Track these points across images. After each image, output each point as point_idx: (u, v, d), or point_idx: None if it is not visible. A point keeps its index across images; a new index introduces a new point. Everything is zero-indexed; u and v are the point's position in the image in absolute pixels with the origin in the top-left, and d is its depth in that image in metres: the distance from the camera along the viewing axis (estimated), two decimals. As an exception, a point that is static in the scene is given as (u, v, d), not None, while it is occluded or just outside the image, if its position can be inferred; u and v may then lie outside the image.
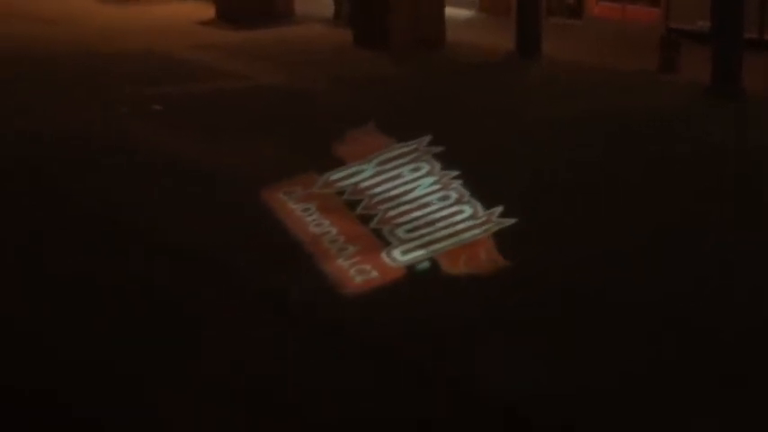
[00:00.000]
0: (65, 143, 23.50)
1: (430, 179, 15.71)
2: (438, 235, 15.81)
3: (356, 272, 14.71)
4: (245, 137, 23.87)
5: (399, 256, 15.49)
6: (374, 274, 15.03)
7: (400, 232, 15.49)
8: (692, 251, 16.56)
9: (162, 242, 17.13)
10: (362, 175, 15.86)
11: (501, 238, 15.70)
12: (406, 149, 15.85)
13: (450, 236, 15.84)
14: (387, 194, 15.45)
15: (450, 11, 35.61)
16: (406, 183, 15.57)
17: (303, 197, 15.73)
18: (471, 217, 15.72)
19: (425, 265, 15.09)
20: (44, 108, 26.55)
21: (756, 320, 13.70)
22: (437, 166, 15.34)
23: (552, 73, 30.11)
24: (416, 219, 15.61)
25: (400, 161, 15.65)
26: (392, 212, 15.70)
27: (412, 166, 15.39)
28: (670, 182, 19.83)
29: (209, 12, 39.85)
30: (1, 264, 16.58)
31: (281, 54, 33.21)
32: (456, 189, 15.74)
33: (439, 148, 15.31)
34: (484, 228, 15.76)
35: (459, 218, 15.90)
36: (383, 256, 15.13)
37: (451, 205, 15.96)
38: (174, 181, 20.77)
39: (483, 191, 16.22)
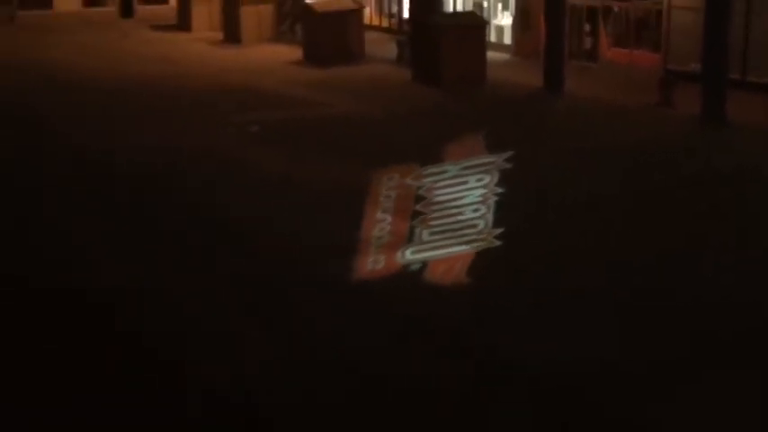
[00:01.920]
0: (188, 154, 23.90)
1: (480, 191, 14.61)
2: (446, 243, 14.94)
3: (372, 261, 14.16)
4: (324, 152, 23.93)
5: (407, 255, 14.72)
6: (380, 266, 14.44)
7: (425, 234, 14.65)
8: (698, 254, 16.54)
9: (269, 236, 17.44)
10: (444, 174, 14.83)
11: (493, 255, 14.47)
12: (486, 160, 14.65)
13: (452, 246, 14.93)
14: (442, 197, 14.58)
15: (490, 54, 35.33)
16: (463, 189, 14.57)
17: (396, 184, 14.75)
18: (478, 232, 14.71)
19: (417, 267, 14.31)
20: (172, 128, 26.91)
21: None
22: (494, 180, 14.27)
23: (573, 106, 29.73)
24: (444, 224, 14.78)
25: (475, 170, 14.47)
26: (434, 214, 14.85)
27: (479, 176, 14.30)
28: (672, 197, 19.72)
29: (298, 54, 39.52)
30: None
31: (354, 88, 33.03)
32: (488, 204, 14.63)
33: (509, 164, 14.21)
34: (477, 244, 14.68)
35: (469, 231, 14.91)
36: (398, 252, 14.42)
37: (475, 218, 14.92)
38: (269, 186, 21.01)
39: (510, 209, 15.09)
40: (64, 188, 21.36)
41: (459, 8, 41.26)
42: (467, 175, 14.56)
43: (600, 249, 16.60)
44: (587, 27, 36.25)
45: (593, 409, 11.32)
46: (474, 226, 14.59)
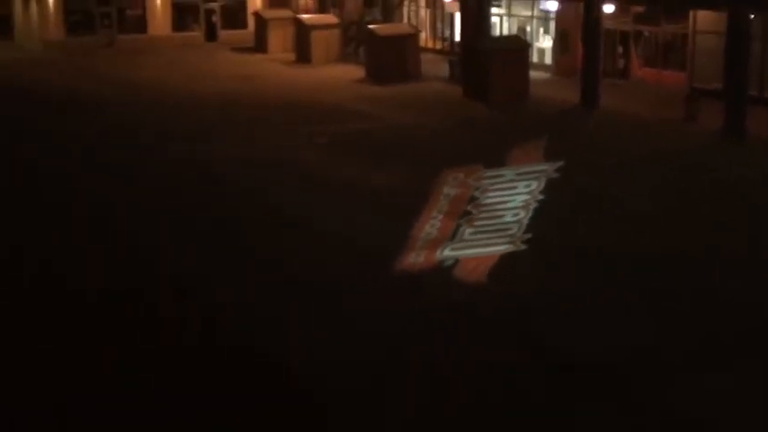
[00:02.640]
0: (265, 162, 24.43)
1: (525, 197, 13.96)
2: (482, 243, 14.22)
3: (415, 254, 13.75)
4: (386, 159, 24.43)
5: (445, 252, 14.04)
6: (420, 259, 13.96)
7: (467, 233, 13.91)
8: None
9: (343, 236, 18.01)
10: (500, 178, 14.15)
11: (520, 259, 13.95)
12: (538, 168, 13.98)
13: (486, 246, 14.23)
14: (491, 199, 13.86)
15: (532, 73, 35.20)
16: (510, 194, 13.97)
17: (459, 183, 13.95)
18: (510, 236, 14.03)
19: (450, 263, 13.82)
20: (251, 138, 27.39)
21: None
22: (540, 187, 13.71)
23: (607, 120, 29.78)
24: (484, 225, 14.07)
25: (526, 176, 13.85)
26: (479, 215, 14.04)
27: (527, 182, 13.78)
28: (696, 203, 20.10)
29: (361, 73, 39.49)
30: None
31: (411, 103, 33.10)
32: (527, 209, 13.96)
33: (558, 174, 13.49)
34: (505, 247, 14.05)
35: (503, 233, 14.26)
36: (439, 248, 13.81)
37: (512, 222, 14.19)
38: (338, 189, 21.57)
39: (546, 217, 14.46)
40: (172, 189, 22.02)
41: (505, 32, 41.21)
42: (516, 180, 14.07)
43: (625, 246, 17.12)
44: (620, 49, 36.10)
45: (627, 391, 11.81)
46: (509, 229, 14.12)
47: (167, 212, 20.10)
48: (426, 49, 42.89)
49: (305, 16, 46.20)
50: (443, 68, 39.28)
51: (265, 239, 17.99)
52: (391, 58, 38.49)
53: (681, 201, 20.35)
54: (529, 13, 40.97)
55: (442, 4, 44.71)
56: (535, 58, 38.62)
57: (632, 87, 34.58)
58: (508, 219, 14.15)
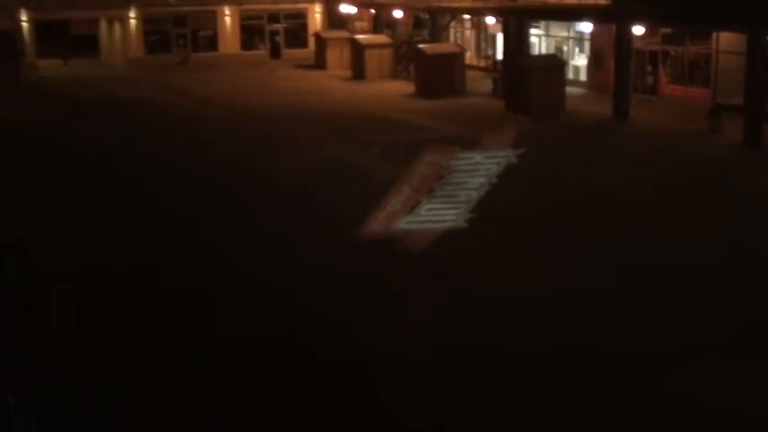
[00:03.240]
0: (327, 168, 24.97)
1: (482, 180, 13.64)
2: (430, 219, 13.75)
3: (376, 222, 13.43)
4: None
5: (401, 224, 13.64)
6: (379, 228, 13.56)
7: (424, 208, 13.57)
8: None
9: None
10: (470, 159, 13.83)
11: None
12: (502, 154, 13.65)
13: (431, 222, 13.78)
14: (453, 179, 13.46)
15: (568, 89, 35.32)
16: (470, 176, 13.56)
17: (433, 162, 13.71)
18: (453, 214, 13.56)
19: (400, 235, 13.52)
20: (311, 147, 27.80)
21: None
22: (498, 172, 13.40)
23: (636, 131, 29.99)
24: (439, 203, 13.68)
25: (491, 160, 13.48)
26: (439, 193, 13.61)
27: (490, 166, 13.42)
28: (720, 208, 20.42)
29: (411, 88, 39.62)
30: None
31: (457, 116, 33.17)
32: (479, 191, 13.45)
33: (515, 161, 13.23)
34: (444, 225, 13.63)
35: (447, 212, 13.84)
36: (397, 220, 13.43)
37: (461, 202, 13.75)
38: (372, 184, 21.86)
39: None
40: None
41: (543, 51, 41.26)
42: (480, 163, 13.73)
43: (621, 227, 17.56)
44: (649, 67, 35.97)
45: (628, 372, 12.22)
46: (455, 209, 13.78)
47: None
48: (471, 67, 42.93)
49: (360, 36, 46.55)
50: (487, 84, 39.32)
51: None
52: (439, 75, 38.52)
53: (697, 198, 20.91)
54: (565, 34, 41.04)
55: (486, 26, 44.75)
56: (571, 75, 38.58)
57: (660, 102, 34.57)
58: (461, 198, 13.92)
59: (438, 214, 13.90)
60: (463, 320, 14.15)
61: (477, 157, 13.90)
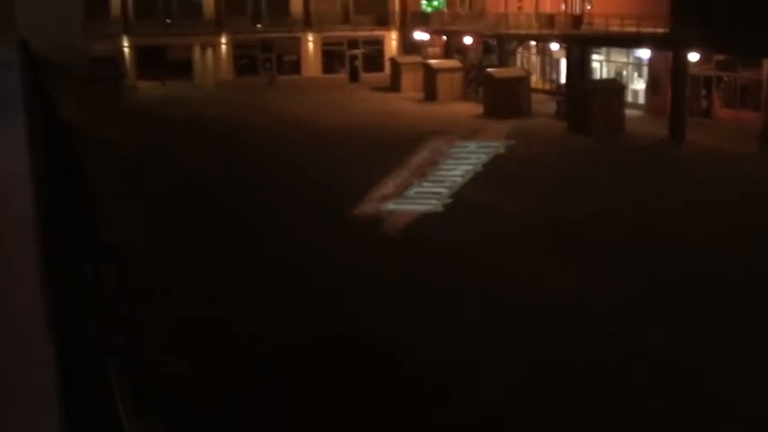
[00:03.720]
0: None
1: (469, 167, 13.29)
2: (415, 202, 13.87)
3: (367, 203, 13.40)
4: (504, 181, 25.58)
5: (389, 205, 13.75)
6: (369, 209, 13.56)
7: (411, 191, 13.50)
8: None
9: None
10: (465, 148, 13.41)
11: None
12: (494, 144, 13.13)
13: (415, 205, 13.72)
14: (444, 165, 13.08)
15: (628, 111, 35.56)
16: (461, 163, 13.03)
17: (433, 148, 13.13)
18: (436, 198, 13.24)
19: (385, 216, 13.30)
20: (400, 163, 28.78)
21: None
22: (486, 161, 12.76)
23: (692, 151, 30.57)
24: (426, 187, 13.65)
25: (482, 149, 12.96)
26: (430, 177, 13.39)
27: (479, 156, 12.84)
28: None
29: (480, 109, 40.12)
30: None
31: (523, 136, 32.75)
32: (464, 177, 12.72)
33: (503, 152, 12.93)
34: (426, 207, 13.25)
35: (433, 196, 13.63)
36: (387, 202, 13.42)
37: (446, 187, 13.43)
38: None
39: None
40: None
41: (604, 75, 41.65)
42: (472, 152, 13.29)
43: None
44: (704, 92, 36.10)
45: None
46: (439, 193, 13.56)
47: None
48: (536, 90, 43.17)
49: (432, 61, 47.49)
50: (551, 106, 39.72)
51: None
52: (506, 97, 39.04)
53: (746, 210, 21.78)
54: (625, 60, 41.40)
55: (550, 52, 45.27)
56: (630, 99, 38.76)
57: (714, 125, 34.62)
58: (446, 184, 13.66)
59: (422, 197, 13.98)
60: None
61: (472, 146, 14.35)
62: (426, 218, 14.24)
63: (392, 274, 15.96)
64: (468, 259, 16.72)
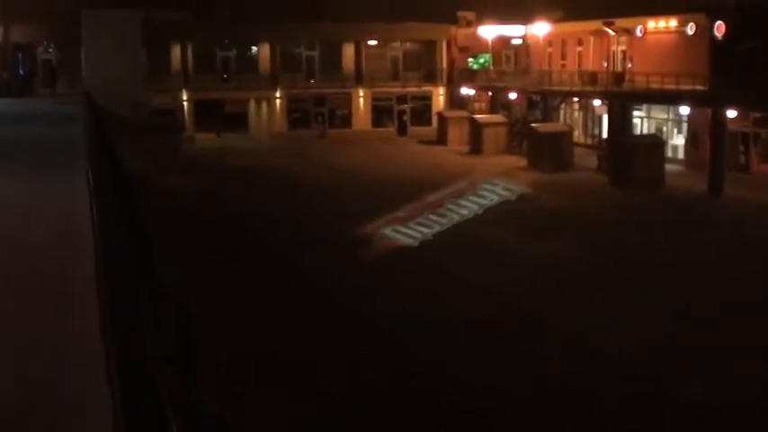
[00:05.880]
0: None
1: (474, 208, 14.29)
2: (409, 234, 14.11)
3: (375, 228, 13.92)
4: (541, 231, 26.33)
5: (388, 232, 13.79)
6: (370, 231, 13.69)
7: (413, 222, 13.72)
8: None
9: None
10: (482, 187, 14.29)
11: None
12: (510, 189, 14.15)
13: (405, 235, 13.99)
14: (455, 203, 14.07)
15: (668, 166, 35.82)
16: (471, 203, 13.96)
17: (466, 185, 14.24)
18: (424, 234, 13.35)
19: (381, 240, 13.26)
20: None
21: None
22: (491, 206, 13.58)
23: (731, 205, 30.73)
24: (427, 221, 13.62)
25: (497, 194, 14.10)
26: (437, 210, 13.42)
27: (492, 199, 14.09)
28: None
29: (524, 162, 40.65)
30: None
31: (563, 188, 34.30)
32: (462, 217, 13.04)
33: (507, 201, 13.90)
34: (411, 240, 13.34)
35: (425, 230, 13.51)
36: (391, 228, 13.55)
37: (442, 226, 13.60)
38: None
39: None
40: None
41: (645, 131, 41.85)
42: (486, 194, 14.01)
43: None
44: (741, 147, 36.26)
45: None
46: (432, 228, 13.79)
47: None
48: (578, 144, 43.64)
49: (478, 116, 48.19)
50: (592, 160, 40.08)
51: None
52: (549, 151, 39.61)
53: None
54: (665, 116, 41.67)
55: (593, 108, 45.75)
56: (670, 153, 39.06)
57: (752, 180, 34.76)
58: (443, 221, 13.63)
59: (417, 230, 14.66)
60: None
61: (498, 188, 15.10)
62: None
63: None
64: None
